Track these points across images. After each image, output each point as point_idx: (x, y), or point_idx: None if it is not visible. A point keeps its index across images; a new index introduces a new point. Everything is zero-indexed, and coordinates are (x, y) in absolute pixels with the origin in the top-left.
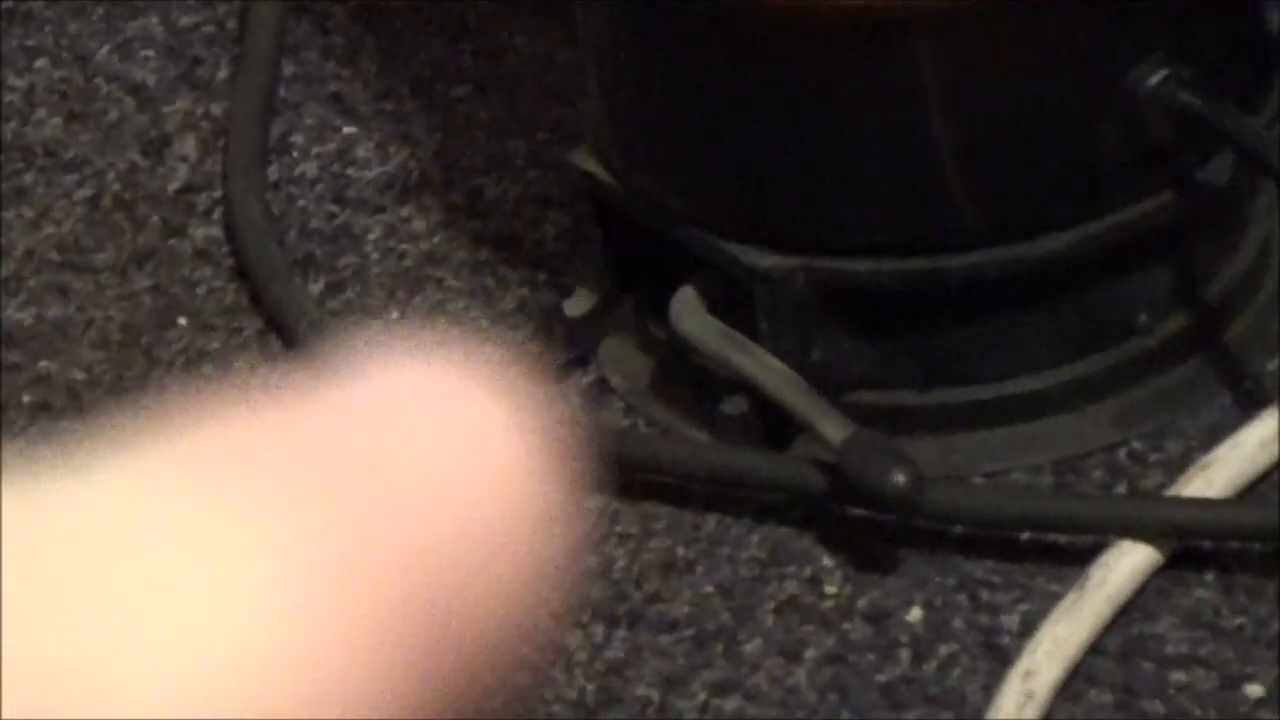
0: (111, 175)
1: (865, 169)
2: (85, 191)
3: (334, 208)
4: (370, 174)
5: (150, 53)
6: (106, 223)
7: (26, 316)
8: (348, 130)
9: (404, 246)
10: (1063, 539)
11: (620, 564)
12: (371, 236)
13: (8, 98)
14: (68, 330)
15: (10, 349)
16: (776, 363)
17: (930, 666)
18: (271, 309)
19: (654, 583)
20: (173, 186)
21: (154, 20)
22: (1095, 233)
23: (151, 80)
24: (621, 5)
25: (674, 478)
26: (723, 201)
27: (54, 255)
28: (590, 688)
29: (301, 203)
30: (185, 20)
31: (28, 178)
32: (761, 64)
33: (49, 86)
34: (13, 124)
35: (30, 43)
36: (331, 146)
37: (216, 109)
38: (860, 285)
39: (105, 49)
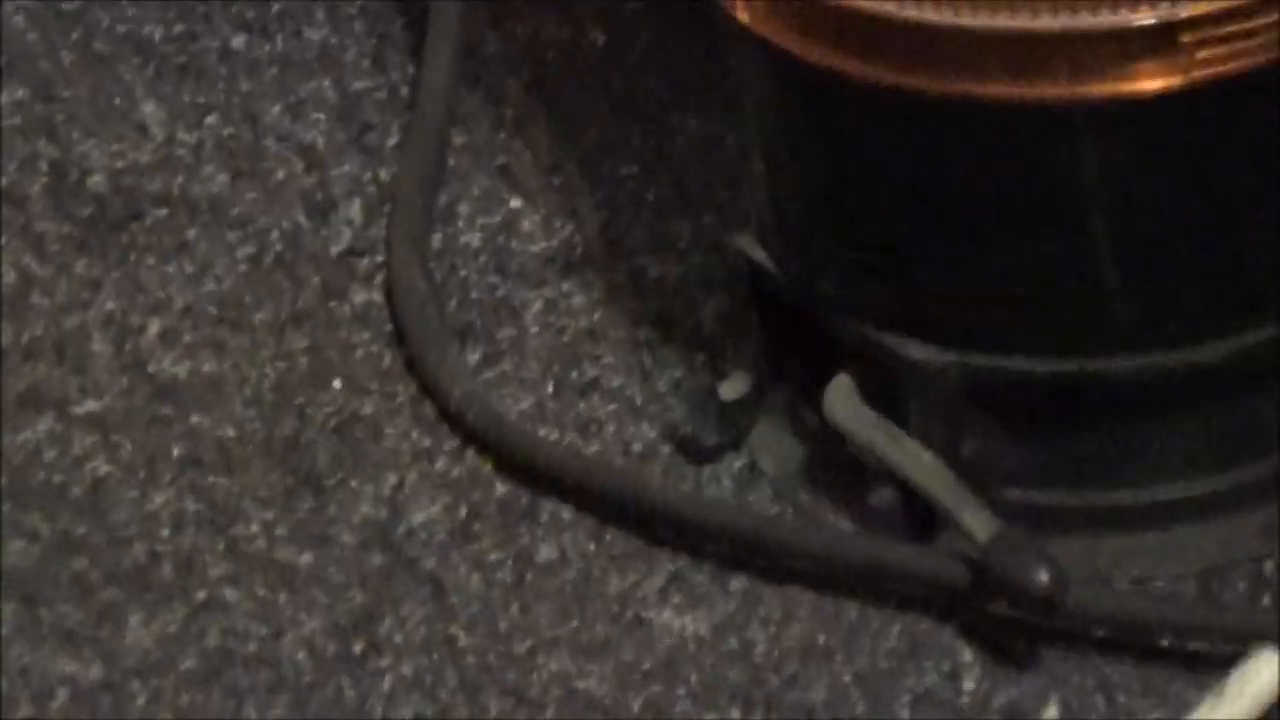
0: (275, 234)
1: (1025, 267)
2: (248, 249)
3: (496, 279)
4: (534, 247)
5: (321, 115)
6: (267, 281)
7: (181, 370)
8: (514, 203)
9: (563, 321)
10: (1204, 647)
11: (760, 648)
12: (532, 309)
13: (177, 151)
14: (221, 386)
15: (163, 402)
16: (926, 455)
17: None
18: (427, 375)
19: (792, 667)
20: (335, 249)
21: (326, 83)
22: (1253, 343)
23: (321, 142)
24: (784, 91)
25: (818, 566)
26: (879, 292)
27: (212, 310)
28: None
29: (464, 272)
30: (358, 85)
31: (191, 233)
32: (922, 154)
33: (218, 143)
34: (180, 178)
35: (201, 99)
36: (497, 218)
37: (384, 174)
38: (1014, 383)
39: (276, 109)
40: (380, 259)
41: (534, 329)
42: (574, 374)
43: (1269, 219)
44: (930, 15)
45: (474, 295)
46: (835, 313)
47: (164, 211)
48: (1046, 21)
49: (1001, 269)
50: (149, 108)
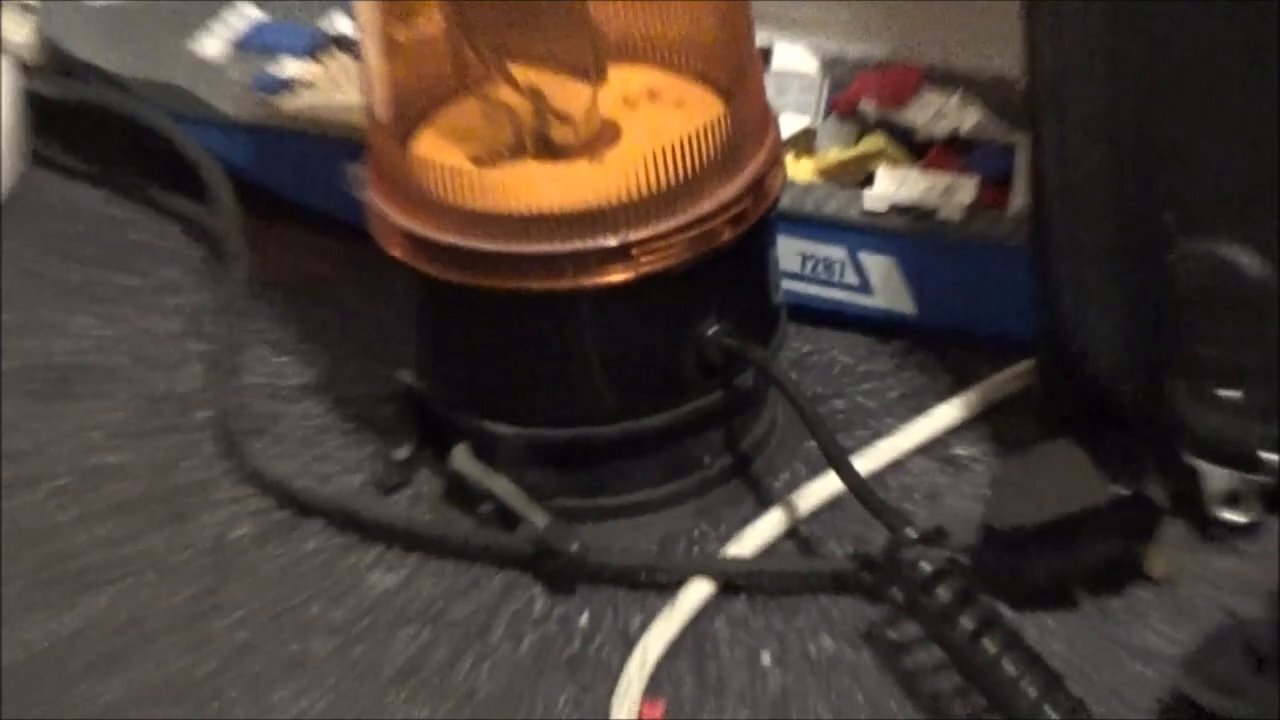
0: None
1: (553, 378)
2: None
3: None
4: (293, 380)
5: None
6: None
7: None
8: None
9: (321, 421)
10: (663, 579)
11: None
12: (294, 415)
13: None
14: None
15: None
16: (507, 482)
17: (591, 649)
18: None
19: (415, 611)
20: None
21: None
22: (682, 414)
23: None
24: (417, 289)
25: (448, 547)
26: (478, 397)
27: None
28: None
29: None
30: None
31: None
32: (492, 322)
33: None
34: None
35: None
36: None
37: None
38: (550, 442)
39: None
40: None
41: (297, 432)
42: (320, 452)
43: (681, 348)
44: (492, 245)
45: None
46: (455, 410)
47: None
48: (559, 246)
49: (539, 380)
50: None
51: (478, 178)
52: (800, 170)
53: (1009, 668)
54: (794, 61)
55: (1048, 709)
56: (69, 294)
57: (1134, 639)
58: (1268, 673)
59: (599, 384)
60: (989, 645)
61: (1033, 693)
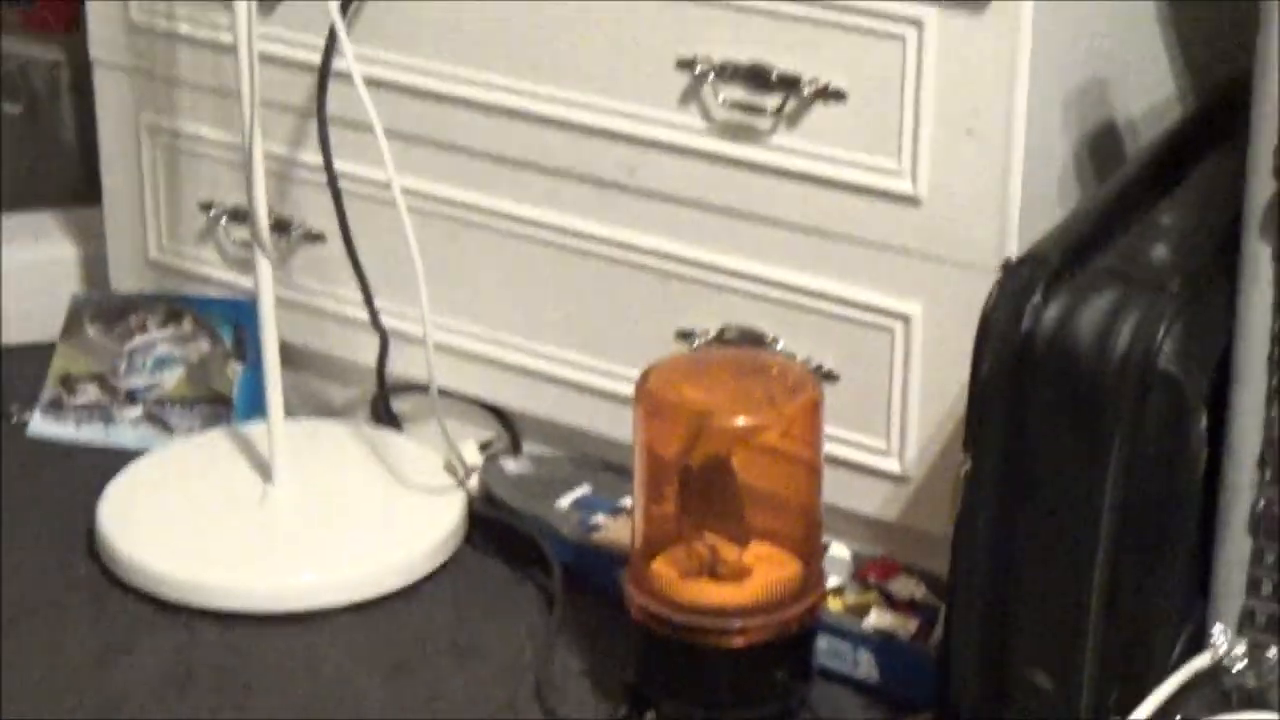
0: None
1: (699, 685)
2: None
3: None
4: None
5: None
6: None
7: None
8: None
9: None
10: None
11: None
12: None
13: None
14: None
15: None
16: None
17: None
18: None
19: None
20: None
21: None
22: (772, 709)
23: None
24: (637, 635)
25: None
26: (648, 686)
27: None
28: None
29: None
30: None
31: None
32: (672, 655)
33: None
34: None
35: None
36: None
37: None
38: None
39: None
40: None
41: None
42: None
43: (765, 682)
44: (682, 618)
45: None
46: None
47: None
48: (715, 623)
49: (688, 689)
50: None
51: (680, 584)
52: (834, 604)
53: None
54: (838, 551)
55: None
56: None
57: None
58: None
59: (730, 695)
60: None
61: None
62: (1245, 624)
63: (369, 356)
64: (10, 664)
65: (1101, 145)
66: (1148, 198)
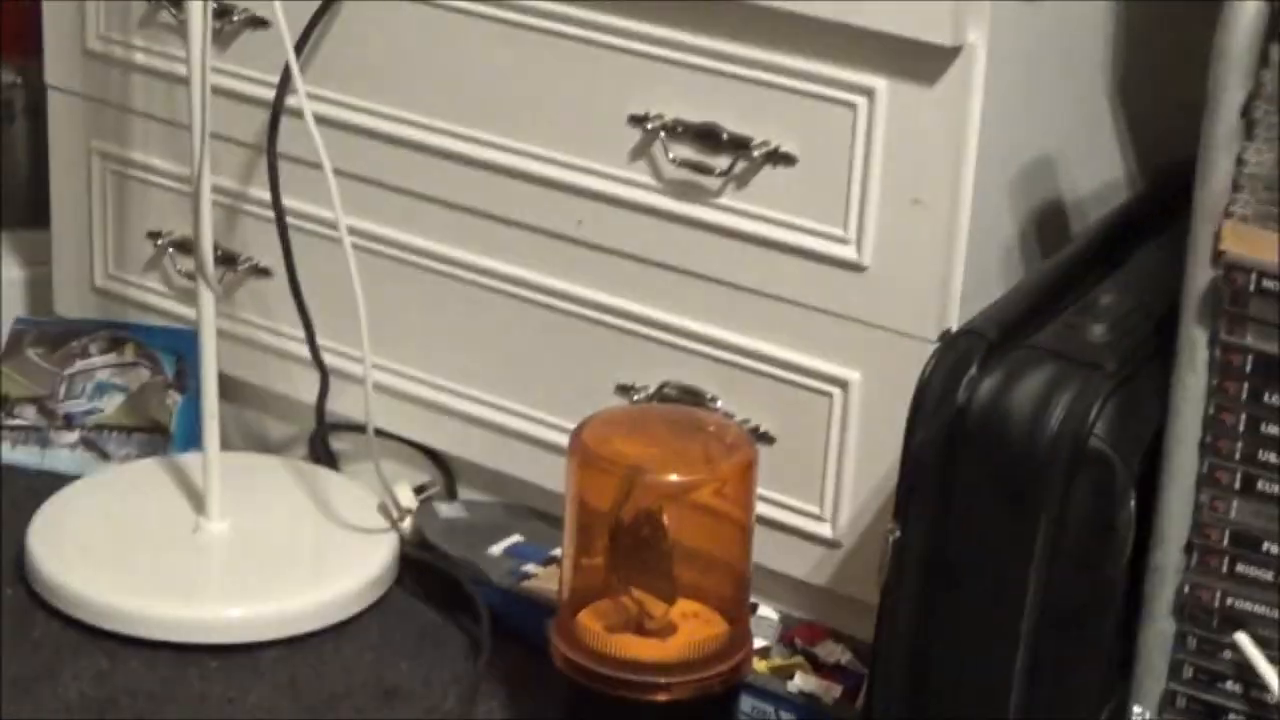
0: None
1: None
2: None
3: None
4: None
5: None
6: None
7: None
8: None
9: None
10: None
11: None
12: None
13: None
14: None
15: None
16: None
17: None
18: None
19: None
20: None
21: None
22: None
23: None
24: (564, 687)
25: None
26: None
27: None
28: None
29: None
30: None
31: None
32: (594, 710)
33: None
34: None
35: None
36: None
37: None
38: None
39: None
40: None
41: None
42: None
43: None
44: (609, 671)
45: None
46: None
47: None
48: (641, 678)
49: None
50: None
51: (606, 638)
52: (760, 665)
53: None
54: (766, 612)
55: None
56: None
57: None
58: None
59: None
60: None
61: None
62: (1166, 707)
63: (309, 393)
64: None
65: (1047, 222)
66: (1089, 277)
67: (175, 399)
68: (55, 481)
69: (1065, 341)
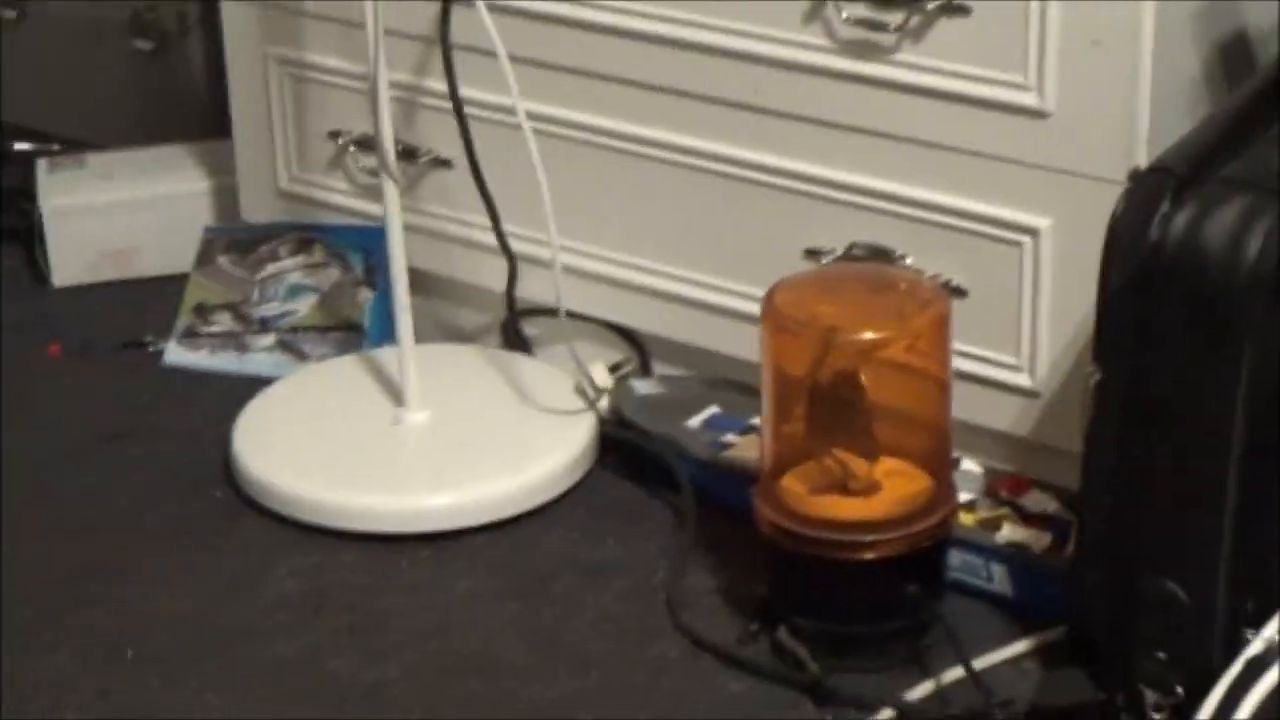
0: None
1: (830, 597)
2: None
3: None
4: None
5: None
6: None
7: None
8: None
9: None
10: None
11: None
12: None
13: None
14: None
15: None
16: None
17: None
18: None
19: None
20: None
21: None
22: (903, 620)
23: None
24: (769, 549)
25: None
26: (783, 603)
27: None
28: None
29: None
30: None
31: None
32: (804, 570)
33: None
34: None
35: None
36: None
37: None
38: (831, 634)
39: None
40: None
41: None
42: None
43: (898, 591)
44: (813, 532)
45: None
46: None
47: None
48: (847, 537)
49: (825, 603)
50: None
51: (811, 500)
52: (967, 518)
53: None
54: (969, 466)
55: None
56: None
57: None
58: None
59: (861, 609)
60: None
61: None
62: None
63: (498, 281)
64: (150, 587)
65: (1231, 56)
66: (1277, 108)
67: (366, 296)
68: (255, 385)
69: (1257, 172)
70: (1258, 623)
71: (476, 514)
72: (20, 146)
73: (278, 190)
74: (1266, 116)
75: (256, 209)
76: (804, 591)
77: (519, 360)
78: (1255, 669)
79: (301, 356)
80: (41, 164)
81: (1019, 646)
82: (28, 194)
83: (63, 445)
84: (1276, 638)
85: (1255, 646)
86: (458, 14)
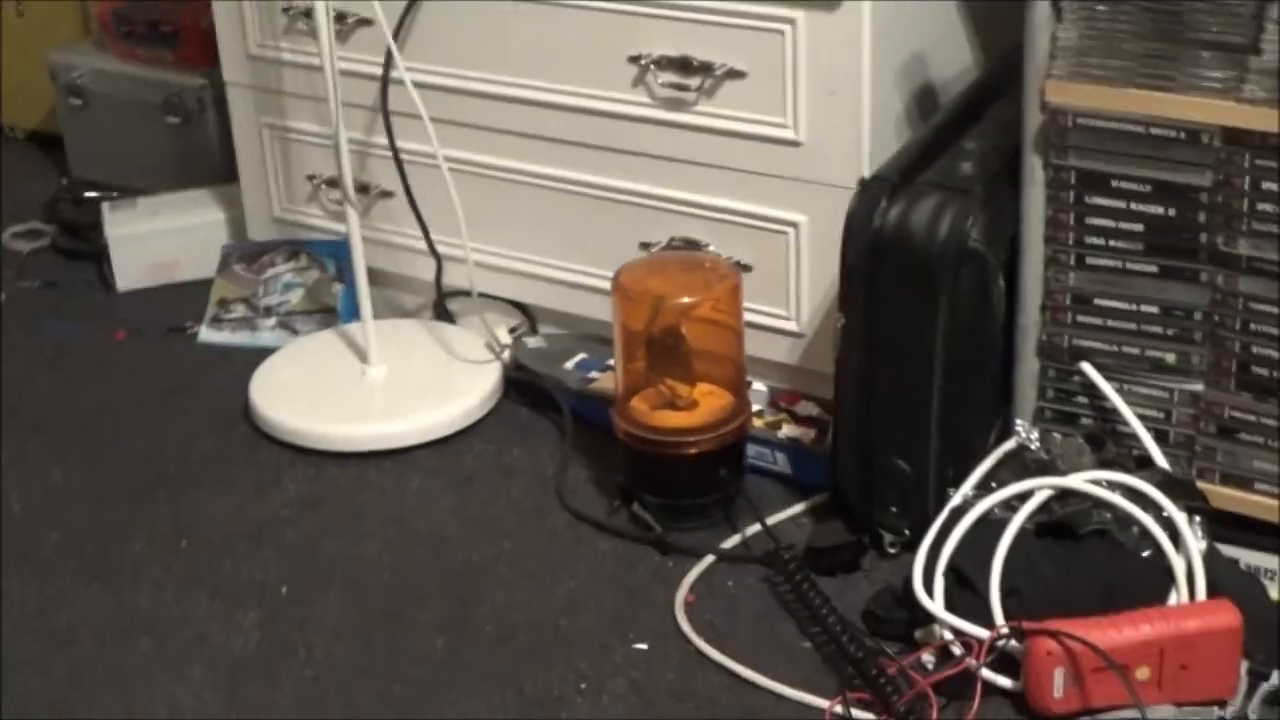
0: None
1: (663, 479)
2: None
3: None
4: None
5: None
6: None
7: None
8: None
9: None
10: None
11: None
12: None
13: None
14: None
15: None
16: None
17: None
18: None
19: None
20: None
21: None
22: (715, 495)
23: None
24: (623, 447)
25: None
26: (632, 484)
27: None
28: None
29: None
30: None
31: None
32: (645, 459)
33: None
34: None
35: None
36: None
37: None
38: (668, 505)
39: None
40: None
41: None
42: None
43: (714, 473)
44: (652, 435)
45: None
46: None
47: None
48: (673, 439)
49: (655, 484)
50: None
51: (651, 415)
52: (758, 422)
53: (815, 597)
54: (759, 387)
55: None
56: None
57: (864, 582)
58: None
59: (689, 487)
60: (810, 590)
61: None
62: (1037, 418)
63: (429, 273)
64: (196, 495)
65: (924, 98)
66: (957, 132)
67: (338, 288)
68: (262, 354)
69: (945, 176)
70: (956, 484)
71: (422, 435)
72: (90, 194)
73: (273, 217)
74: (949, 138)
75: (258, 230)
76: (650, 477)
77: (446, 328)
78: (956, 515)
79: (295, 332)
80: (105, 205)
81: (797, 508)
82: (97, 227)
83: (130, 400)
84: (970, 493)
85: (955, 500)
86: (394, 90)
